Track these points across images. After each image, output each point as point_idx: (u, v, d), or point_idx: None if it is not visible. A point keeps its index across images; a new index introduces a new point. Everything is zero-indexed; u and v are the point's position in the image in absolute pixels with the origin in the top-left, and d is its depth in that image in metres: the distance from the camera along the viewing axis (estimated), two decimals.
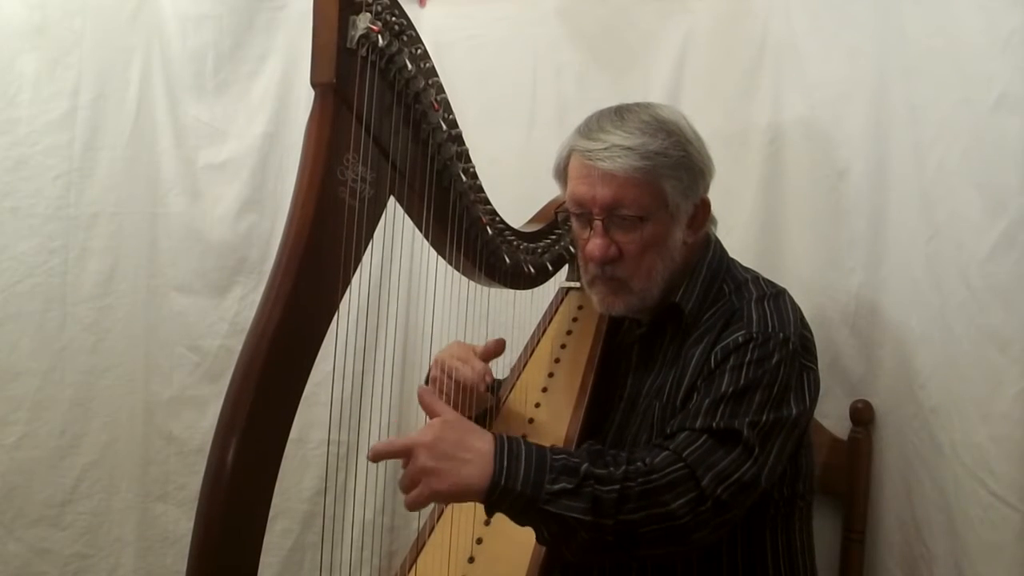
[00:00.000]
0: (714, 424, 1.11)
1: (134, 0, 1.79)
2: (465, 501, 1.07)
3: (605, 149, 1.19)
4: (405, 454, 1.03)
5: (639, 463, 1.07)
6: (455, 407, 1.18)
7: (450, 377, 1.29)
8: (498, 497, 1.03)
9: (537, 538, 1.09)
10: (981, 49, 1.26)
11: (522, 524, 1.07)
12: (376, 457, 1.05)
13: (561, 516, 1.03)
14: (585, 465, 1.05)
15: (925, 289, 1.37)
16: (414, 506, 1.03)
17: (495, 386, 1.48)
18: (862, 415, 1.51)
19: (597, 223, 1.22)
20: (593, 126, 1.23)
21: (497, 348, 1.33)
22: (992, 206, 1.25)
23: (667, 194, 1.21)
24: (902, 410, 1.44)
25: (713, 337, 1.22)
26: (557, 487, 1.03)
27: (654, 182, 1.20)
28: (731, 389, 1.14)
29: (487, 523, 1.25)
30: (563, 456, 1.06)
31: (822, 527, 1.46)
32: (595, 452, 1.10)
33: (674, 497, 1.05)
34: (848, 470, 1.52)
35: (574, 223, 1.29)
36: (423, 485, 1.01)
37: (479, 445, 1.04)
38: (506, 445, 1.05)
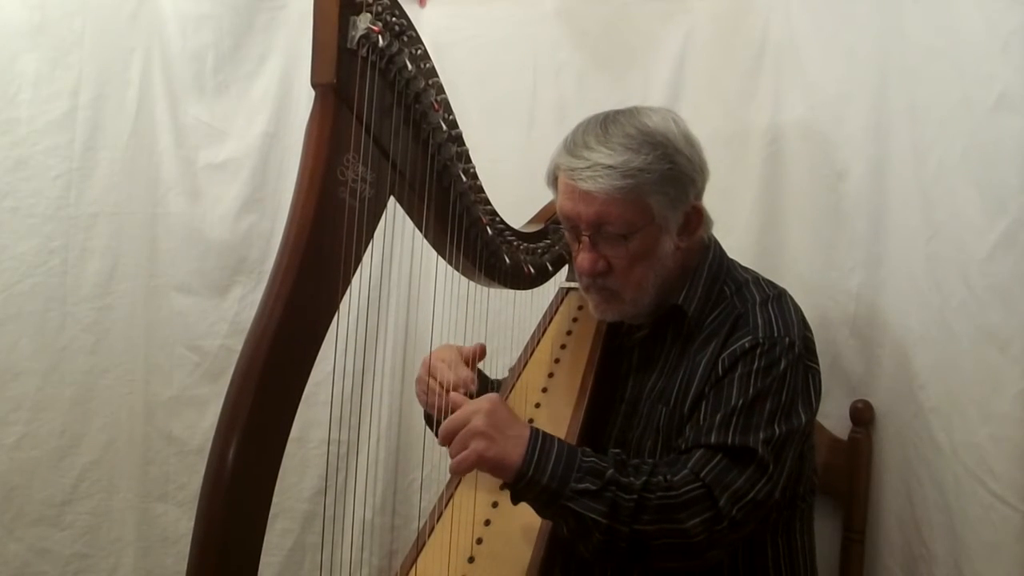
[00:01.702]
0: (728, 441, 1.12)
1: (134, 0, 1.79)
2: (498, 476, 1.11)
3: (587, 168, 1.19)
4: (463, 421, 1.08)
5: (660, 477, 1.09)
6: (438, 409, 1.23)
7: (434, 379, 1.30)
8: (524, 486, 1.07)
9: (556, 529, 1.14)
10: (981, 49, 1.26)
11: (544, 516, 1.13)
12: (445, 440, 1.09)
13: (580, 515, 1.06)
14: (611, 471, 1.08)
15: (925, 289, 1.37)
16: (458, 469, 1.08)
17: (495, 387, 1.48)
18: (862, 415, 1.51)
19: (584, 238, 1.23)
20: (578, 140, 1.23)
21: (479, 352, 1.33)
22: (992, 206, 1.25)
23: (652, 208, 1.21)
24: (902, 410, 1.44)
25: (719, 342, 1.22)
26: (581, 486, 1.06)
27: (638, 199, 1.20)
28: (741, 401, 1.15)
29: (487, 523, 1.25)
30: (593, 459, 1.09)
31: (822, 527, 1.46)
32: (621, 460, 1.11)
33: (689, 516, 1.07)
34: (848, 470, 1.52)
35: (566, 234, 1.30)
36: (471, 449, 1.06)
37: (523, 431, 1.09)
38: (540, 440, 1.08)
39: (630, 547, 1.07)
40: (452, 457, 1.08)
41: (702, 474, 1.10)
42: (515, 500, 1.10)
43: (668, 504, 1.07)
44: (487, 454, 1.06)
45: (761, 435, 1.12)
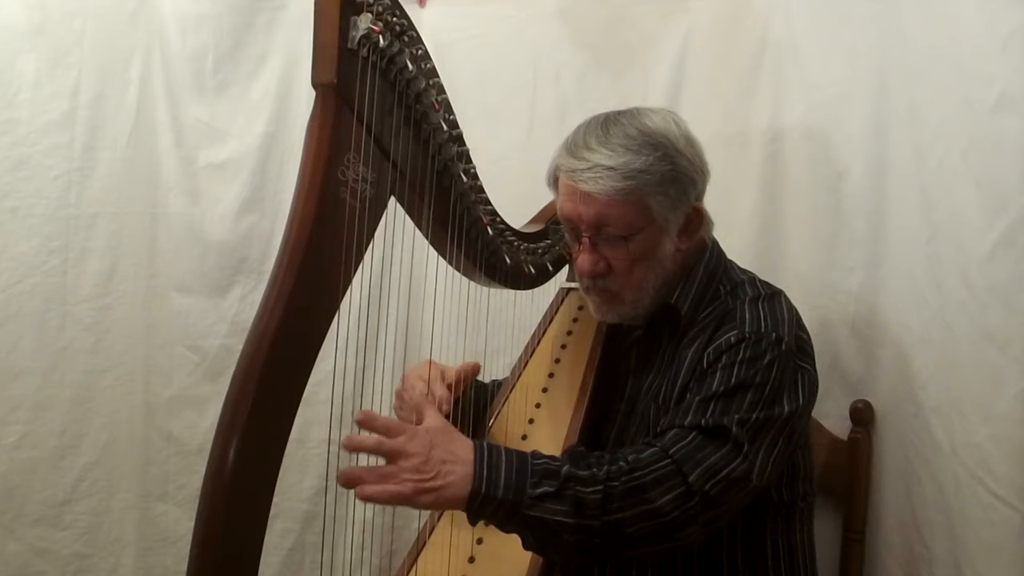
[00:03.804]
0: (703, 421, 1.11)
1: (134, 0, 1.79)
2: (446, 509, 1.06)
3: (588, 169, 1.19)
4: (392, 455, 1.00)
5: (621, 462, 1.07)
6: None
7: (409, 397, 1.29)
8: (480, 505, 1.02)
9: (523, 544, 1.08)
10: (981, 49, 1.26)
11: (506, 531, 1.07)
12: (351, 448, 1.03)
13: (544, 520, 1.02)
14: (566, 467, 1.04)
15: (925, 289, 1.37)
16: (375, 498, 1.00)
17: (493, 388, 1.48)
18: (862, 415, 1.51)
19: (585, 240, 1.23)
20: (579, 141, 1.22)
21: (471, 371, 1.31)
22: (992, 206, 1.25)
23: (653, 210, 1.21)
24: (902, 410, 1.44)
25: (706, 337, 1.22)
26: (539, 491, 1.02)
27: (638, 200, 1.19)
28: (722, 388, 1.14)
29: (487, 523, 1.25)
30: (544, 460, 1.06)
31: (822, 527, 1.46)
32: (577, 454, 1.09)
33: (660, 493, 1.05)
34: (848, 470, 1.52)
35: (566, 235, 1.30)
36: (404, 485, 0.99)
37: (462, 454, 1.03)
38: (485, 453, 1.03)
39: (605, 540, 1.04)
40: (368, 483, 0.98)
41: (671, 451, 1.07)
42: (473, 520, 1.05)
43: (635, 486, 1.04)
44: (421, 500, 0.99)
45: (737, 416, 1.11)
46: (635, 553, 1.11)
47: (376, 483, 0.99)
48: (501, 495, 1.02)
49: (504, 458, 1.04)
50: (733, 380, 1.14)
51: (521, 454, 1.06)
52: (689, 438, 1.09)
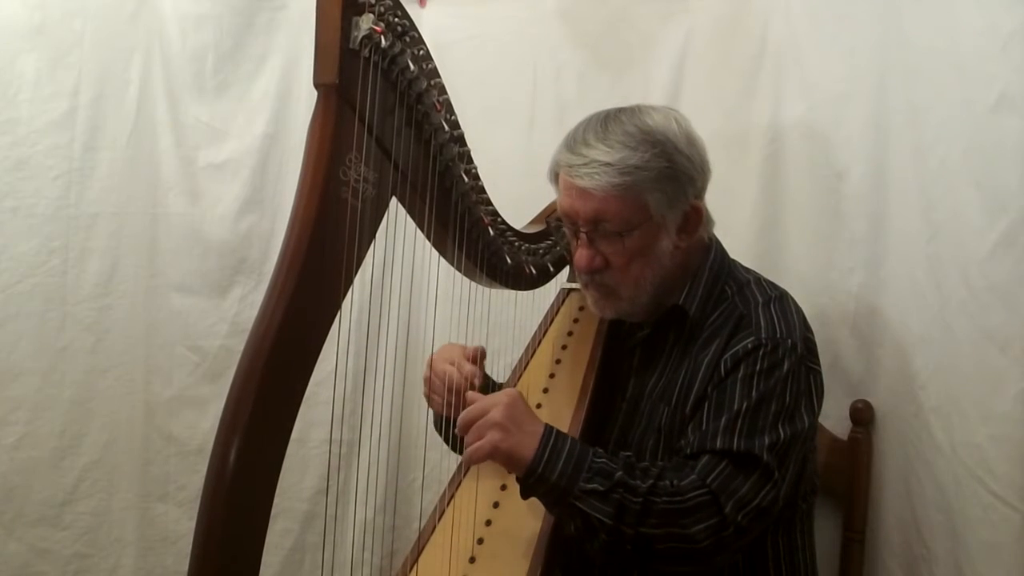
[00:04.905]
0: (733, 447, 1.13)
1: (134, 0, 1.79)
2: (510, 469, 1.14)
3: (584, 165, 1.20)
4: (482, 412, 1.11)
5: (667, 482, 1.10)
6: (446, 407, 1.27)
7: (440, 380, 1.31)
8: (533, 482, 1.10)
9: (558, 530, 1.17)
10: (981, 49, 1.26)
11: (553, 513, 1.16)
12: (463, 430, 1.13)
13: (587, 514, 1.08)
14: (620, 472, 1.09)
15: (925, 289, 1.37)
16: (473, 458, 1.11)
17: (497, 388, 1.48)
18: (862, 415, 1.51)
19: (582, 235, 1.23)
20: (578, 138, 1.23)
21: (480, 354, 1.34)
22: (992, 206, 1.25)
23: (650, 206, 1.21)
24: (902, 410, 1.44)
25: (722, 343, 1.22)
26: (590, 487, 1.08)
27: (635, 197, 1.20)
28: (744, 404, 1.15)
29: (488, 523, 1.25)
30: (603, 460, 1.11)
31: (822, 527, 1.46)
32: (631, 463, 1.13)
33: (694, 522, 1.08)
34: (848, 470, 1.52)
35: (566, 231, 1.31)
36: (487, 439, 1.09)
37: (538, 427, 1.12)
38: (552, 438, 1.11)
39: (635, 549, 1.09)
40: (467, 446, 1.10)
41: (708, 480, 1.10)
42: (525, 495, 1.12)
43: (674, 509, 1.08)
44: (501, 445, 1.09)
45: (766, 440, 1.13)
46: (663, 569, 1.15)
47: (471, 442, 1.11)
48: (554, 480, 1.09)
49: (568, 447, 1.11)
50: (754, 394, 1.16)
51: (584, 448, 1.12)
52: (722, 466, 1.12)
